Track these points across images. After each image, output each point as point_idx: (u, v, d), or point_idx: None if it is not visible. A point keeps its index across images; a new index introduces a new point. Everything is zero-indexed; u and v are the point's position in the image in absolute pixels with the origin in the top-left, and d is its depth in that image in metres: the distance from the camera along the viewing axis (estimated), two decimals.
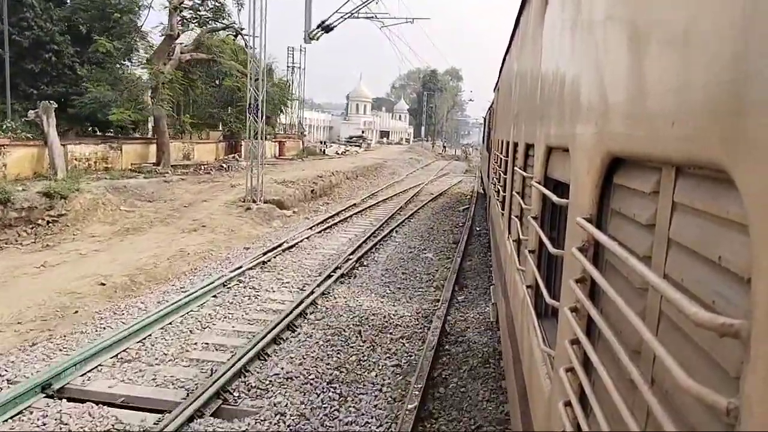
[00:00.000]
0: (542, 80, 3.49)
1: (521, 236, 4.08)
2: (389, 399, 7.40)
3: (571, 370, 1.78)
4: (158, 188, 23.59)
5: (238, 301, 11.08)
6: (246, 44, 29.49)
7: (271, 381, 7.71)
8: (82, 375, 7.55)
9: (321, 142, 50.58)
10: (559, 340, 2.07)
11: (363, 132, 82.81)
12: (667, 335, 1.20)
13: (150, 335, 9.03)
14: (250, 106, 21.77)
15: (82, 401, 6.87)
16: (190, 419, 6.43)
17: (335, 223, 19.84)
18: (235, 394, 7.31)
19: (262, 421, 6.66)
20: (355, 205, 24.73)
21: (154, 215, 19.62)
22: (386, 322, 10.40)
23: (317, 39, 23.55)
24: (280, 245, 15.68)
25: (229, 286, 11.81)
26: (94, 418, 6.52)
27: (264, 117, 22.31)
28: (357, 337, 9.55)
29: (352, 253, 15.05)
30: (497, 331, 8.47)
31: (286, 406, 7.03)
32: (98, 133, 30.00)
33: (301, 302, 10.64)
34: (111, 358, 8.12)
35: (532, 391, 2.92)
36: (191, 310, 10.28)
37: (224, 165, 29.71)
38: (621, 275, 1.57)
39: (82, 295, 11.43)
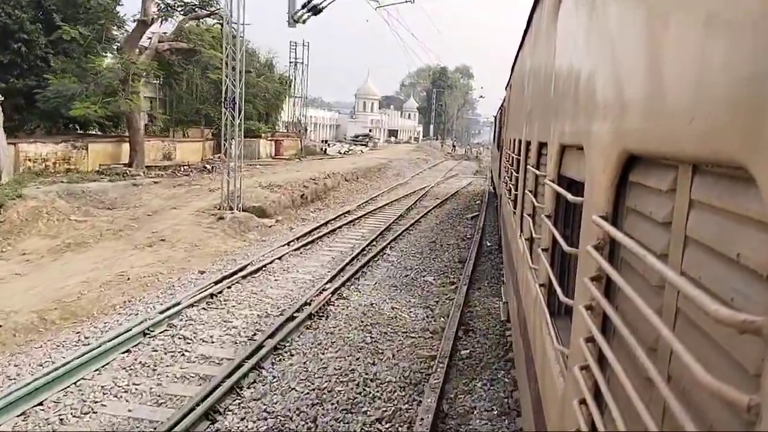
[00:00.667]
0: (556, 77, 3.40)
1: (534, 234, 3.91)
2: None
3: (585, 368, 1.76)
4: (124, 193, 20.59)
5: (157, 360, 7.95)
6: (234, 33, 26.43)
7: None
8: None
9: (323, 141, 47.53)
10: (573, 338, 2.04)
11: (370, 131, 79.63)
12: (684, 333, 1.18)
13: None
14: (225, 100, 18.69)
15: None
16: None
17: (321, 236, 16.69)
18: None
19: None
20: (349, 212, 21.57)
21: (108, 226, 16.58)
22: (356, 396, 7.23)
23: (304, 22, 20.40)
24: (243, 267, 12.56)
25: (152, 334, 8.69)
26: None
27: (241, 112, 19.21)
28: None
29: (330, 280, 11.89)
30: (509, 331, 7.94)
31: None
32: (79, 131, 27.23)
33: (239, 366, 7.51)
34: None
35: (545, 390, 2.84)
36: (80, 380, 7.17)
37: (208, 166, 26.67)
38: (637, 273, 1.55)
39: None
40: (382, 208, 23.25)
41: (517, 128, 7.78)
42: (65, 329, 9.31)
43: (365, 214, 21.10)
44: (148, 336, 8.59)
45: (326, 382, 7.49)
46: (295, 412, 6.69)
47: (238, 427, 6.28)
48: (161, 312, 9.40)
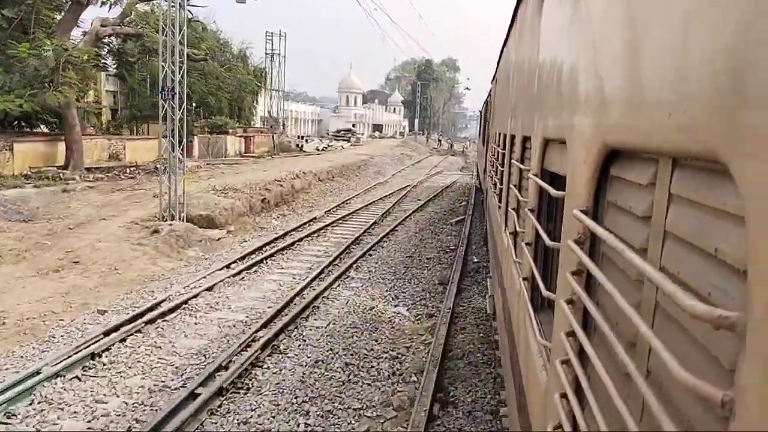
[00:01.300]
0: (539, 72, 3.39)
1: (518, 228, 3.91)
2: None
3: (566, 362, 1.75)
4: (50, 201, 17.43)
5: None
6: (190, 17, 23.17)
7: None
8: None
9: (299, 137, 44.42)
10: (555, 333, 2.04)
11: (354, 125, 76.52)
12: (662, 327, 1.19)
13: None
14: (164, 89, 15.60)
15: None
16: None
17: (275, 253, 13.69)
18: None
19: None
20: (315, 219, 18.58)
21: (12, 245, 13.45)
22: None
23: None
24: (158, 304, 9.57)
25: None
26: None
27: (183, 104, 16.12)
28: None
29: (267, 324, 8.93)
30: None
31: None
32: (25, 128, 23.96)
33: None
34: None
35: (529, 384, 2.85)
36: None
37: (160, 166, 23.47)
38: (617, 267, 1.55)
39: None
40: (355, 213, 20.28)
41: (502, 122, 7.68)
42: None
43: (334, 222, 18.12)
44: None
45: None
46: None
47: None
48: (3, 390, 6.39)
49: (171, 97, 15.66)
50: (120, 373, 7.30)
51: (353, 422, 6.50)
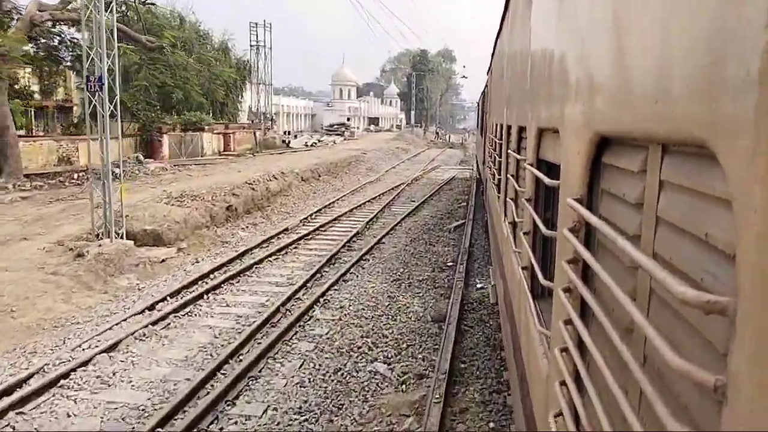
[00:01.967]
0: (532, 62, 3.39)
1: (516, 219, 3.94)
2: None
3: (565, 351, 1.75)
4: None
5: None
6: None
7: None
8: None
9: (285, 133, 41.25)
10: (554, 321, 2.05)
11: (348, 119, 73.33)
12: (657, 314, 1.19)
13: None
14: (89, 80, 12.52)
15: None
16: None
17: (223, 282, 10.68)
18: None
19: None
20: (287, 230, 15.53)
21: None
22: None
23: None
24: (25, 380, 6.56)
25: None
26: None
27: (117, 97, 13.01)
28: None
29: (173, 414, 5.91)
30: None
31: None
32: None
33: None
34: None
35: (531, 372, 2.85)
36: None
37: (116, 170, 20.37)
38: (612, 255, 1.54)
39: None
40: (337, 219, 17.23)
41: (498, 113, 7.65)
42: None
43: (310, 233, 15.06)
44: None
45: None
46: None
47: None
48: None
49: (99, 87, 12.56)
50: None
51: None
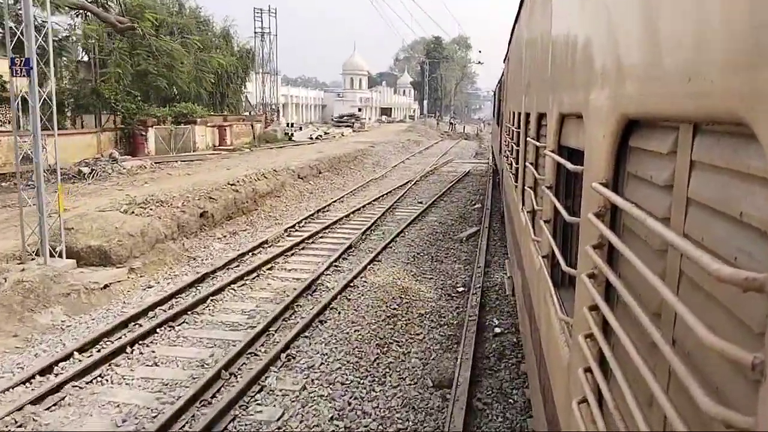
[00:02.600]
0: (554, 47, 3.31)
1: (535, 207, 3.85)
2: None
3: (590, 337, 1.73)
4: None
5: None
6: None
7: None
8: None
9: (289, 125, 38.70)
10: (577, 307, 2.01)
11: (359, 110, 70.60)
12: (687, 296, 1.15)
13: None
14: (13, 62, 10.04)
15: None
16: None
17: (168, 320, 8.21)
18: None
19: None
20: (265, 244, 13.02)
21: None
22: None
23: None
24: None
25: None
26: None
27: (52, 83, 10.54)
28: None
29: None
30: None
31: None
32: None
33: None
34: None
35: (551, 360, 2.81)
36: None
37: (84, 169, 18.03)
38: (639, 238, 1.51)
39: None
40: (330, 228, 14.65)
41: (516, 101, 7.50)
42: None
43: (293, 247, 12.53)
44: None
45: None
46: None
47: None
48: None
49: (26, 72, 10.09)
50: None
51: None
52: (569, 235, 3.11)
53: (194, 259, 12.42)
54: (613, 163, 1.69)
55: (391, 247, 12.82)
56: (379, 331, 8.24)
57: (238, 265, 11.24)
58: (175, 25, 34.98)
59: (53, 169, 11.96)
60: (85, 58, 24.76)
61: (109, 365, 6.86)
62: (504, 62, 13.84)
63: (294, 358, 7.25)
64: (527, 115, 5.11)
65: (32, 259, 10.42)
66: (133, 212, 13.03)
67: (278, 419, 5.85)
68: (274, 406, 6.14)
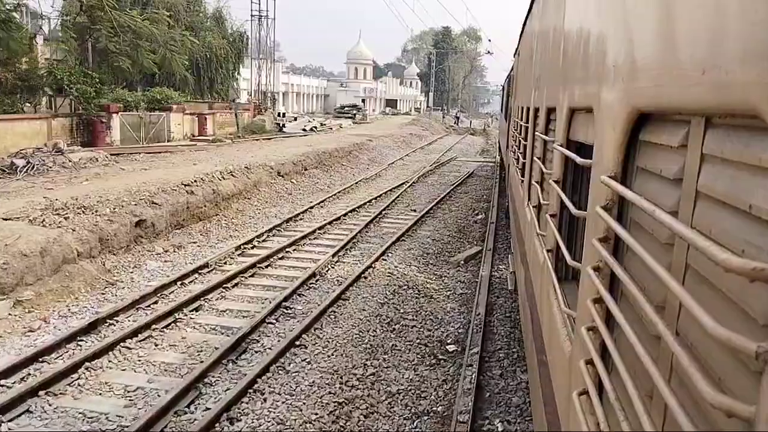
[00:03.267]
0: (565, 40, 3.30)
1: (542, 201, 3.86)
2: None
3: (593, 329, 1.74)
4: None
5: None
6: None
7: None
8: None
9: (280, 114, 35.74)
10: (581, 300, 2.01)
11: (363, 101, 67.48)
12: (693, 288, 1.15)
13: None
14: None
15: None
16: None
17: (15, 401, 5.35)
18: None
19: None
20: (204, 269, 10.12)
21: None
22: None
23: None
24: None
25: None
26: None
27: None
28: None
29: None
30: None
31: None
32: None
33: None
34: None
35: (552, 353, 2.83)
36: None
37: (18, 161, 15.12)
38: (646, 231, 1.53)
39: None
40: (296, 245, 11.74)
41: (525, 96, 7.51)
42: None
43: (239, 274, 9.62)
44: None
45: None
46: None
47: None
48: None
49: None
50: None
51: None
52: (574, 229, 3.13)
53: (113, 284, 9.57)
54: (623, 156, 1.69)
55: (366, 277, 9.89)
56: (324, 424, 5.35)
57: (156, 302, 8.35)
58: (161, 3, 32.09)
59: None
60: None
61: None
62: (514, 56, 13.29)
63: None
64: (536, 109, 5.11)
65: None
66: (43, 221, 10.16)
67: None
68: None
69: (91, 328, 7.27)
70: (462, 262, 11.53)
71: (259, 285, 9.33)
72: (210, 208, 14.41)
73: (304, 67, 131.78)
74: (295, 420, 5.50)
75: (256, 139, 28.28)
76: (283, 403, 5.79)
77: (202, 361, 6.43)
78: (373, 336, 7.58)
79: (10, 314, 8.12)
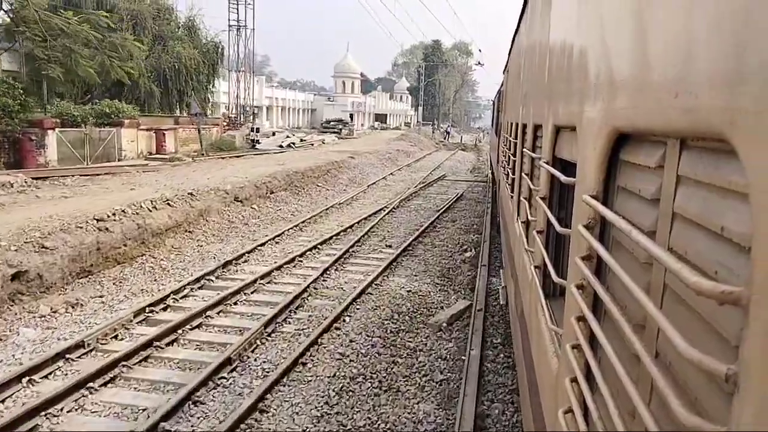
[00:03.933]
0: (550, 59, 3.31)
1: (530, 217, 3.89)
2: None
3: (577, 347, 1.73)
4: None
5: None
6: None
7: None
8: None
9: (254, 130, 32.81)
10: (566, 318, 2.01)
11: (351, 115, 64.85)
12: (670, 308, 1.18)
13: None
14: None
15: None
16: None
17: None
18: None
19: None
20: (82, 348, 7.15)
21: None
22: None
23: None
24: None
25: None
26: None
27: None
28: None
29: None
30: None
31: None
32: None
33: None
34: None
35: (540, 370, 2.78)
36: None
37: None
38: (626, 251, 1.53)
39: None
40: (224, 304, 8.80)
41: (513, 111, 7.48)
42: None
43: (133, 354, 6.68)
44: None
45: None
46: None
47: None
48: None
49: None
50: None
51: None
52: (561, 246, 3.10)
53: None
54: (604, 176, 1.70)
55: (305, 364, 6.95)
56: None
57: None
58: (126, 11, 29.36)
59: None
60: None
61: None
62: (504, 72, 13.14)
63: None
64: (524, 126, 5.11)
65: None
66: None
67: None
68: None
69: None
70: (444, 324, 8.64)
71: (146, 380, 6.38)
72: (133, 248, 11.48)
73: (294, 82, 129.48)
74: None
75: (223, 157, 25.38)
76: None
77: None
78: None
79: None
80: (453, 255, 12.70)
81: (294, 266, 11.04)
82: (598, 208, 1.59)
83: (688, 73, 1.04)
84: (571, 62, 2.42)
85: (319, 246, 12.49)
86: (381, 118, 74.98)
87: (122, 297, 9.42)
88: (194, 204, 14.14)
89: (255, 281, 9.72)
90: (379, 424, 5.77)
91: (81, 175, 17.02)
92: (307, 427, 5.52)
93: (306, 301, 9.14)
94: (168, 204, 13.14)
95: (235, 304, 8.81)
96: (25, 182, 14.68)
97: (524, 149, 4.67)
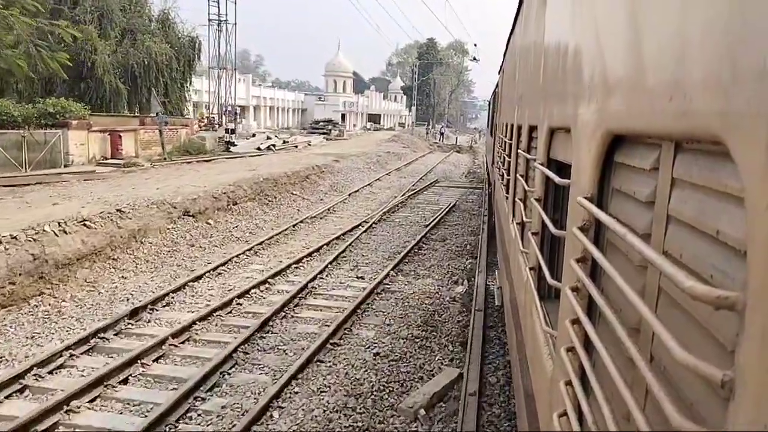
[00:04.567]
0: (545, 60, 3.28)
1: (525, 219, 3.77)
2: None
3: (571, 350, 1.69)
4: None
5: None
6: None
7: None
8: None
9: (228, 132, 30.03)
10: (561, 321, 1.97)
11: (343, 116, 62.17)
12: (665, 312, 1.16)
13: None
14: None
15: None
16: None
17: None
18: None
19: None
20: None
21: None
22: None
23: None
24: None
25: None
26: None
27: None
28: None
29: None
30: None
31: None
32: None
33: None
34: None
35: (535, 372, 2.73)
36: None
37: None
38: (621, 253, 1.51)
39: None
40: (116, 377, 6.10)
41: (509, 113, 7.46)
42: None
43: None
44: None
45: None
46: None
47: None
48: None
49: None
50: None
51: None
52: (556, 248, 3.06)
53: None
54: (599, 178, 1.68)
55: None
56: None
57: None
58: (90, 1, 26.61)
59: None
60: None
61: None
62: (499, 73, 12.84)
63: None
64: (519, 127, 5.06)
65: None
66: None
67: None
68: None
69: None
70: (422, 412, 5.97)
71: None
72: (26, 286, 8.77)
73: (289, 82, 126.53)
74: None
75: (188, 162, 22.63)
76: None
77: None
78: None
79: None
80: (440, 289, 10.01)
81: (229, 311, 8.34)
82: (592, 210, 1.58)
83: (683, 76, 1.03)
84: (566, 64, 2.39)
85: (270, 280, 9.79)
86: (374, 118, 72.27)
87: None
88: (124, 223, 11.42)
89: (164, 341, 7.02)
90: None
91: (5, 186, 14.28)
92: None
93: (228, 376, 6.43)
94: (84, 225, 10.42)
95: (124, 382, 6.11)
96: None
97: (519, 150, 4.64)
